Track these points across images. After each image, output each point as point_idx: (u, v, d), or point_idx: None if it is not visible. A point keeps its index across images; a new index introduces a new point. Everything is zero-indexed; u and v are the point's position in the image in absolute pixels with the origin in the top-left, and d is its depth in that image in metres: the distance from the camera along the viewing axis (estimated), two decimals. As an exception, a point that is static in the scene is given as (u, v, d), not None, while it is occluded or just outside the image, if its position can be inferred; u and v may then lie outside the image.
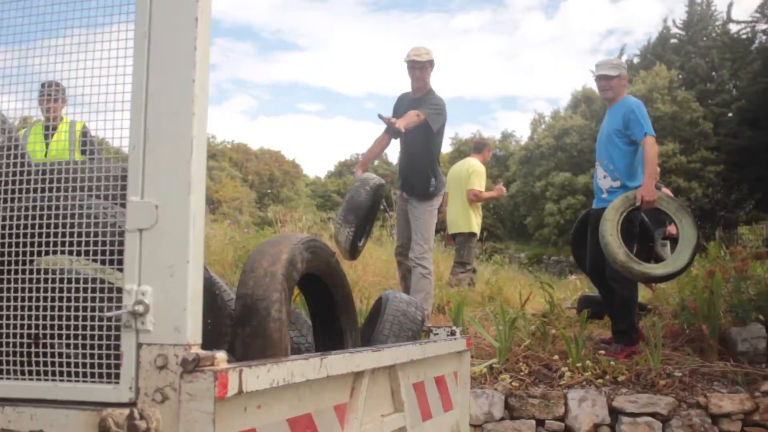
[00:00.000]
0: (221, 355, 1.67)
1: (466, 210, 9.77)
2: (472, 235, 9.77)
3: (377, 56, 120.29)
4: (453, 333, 3.91)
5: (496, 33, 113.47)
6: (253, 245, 9.69)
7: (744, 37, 38.51)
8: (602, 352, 5.79)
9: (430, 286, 6.70)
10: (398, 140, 7.03)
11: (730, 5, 41.92)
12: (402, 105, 7.13)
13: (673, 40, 43.04)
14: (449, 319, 6.46)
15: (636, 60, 44.32)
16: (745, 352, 5.64)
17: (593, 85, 6.39)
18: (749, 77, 34.88)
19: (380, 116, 6.65)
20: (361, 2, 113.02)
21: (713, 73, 39.80)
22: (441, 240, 11.29)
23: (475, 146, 10.91)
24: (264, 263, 2.44)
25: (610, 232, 5.77)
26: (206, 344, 1.72)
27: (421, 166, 6.94)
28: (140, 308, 1.66)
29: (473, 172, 9.90)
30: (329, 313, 3.03)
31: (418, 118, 6.63)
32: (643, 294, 8.48)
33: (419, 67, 6.97)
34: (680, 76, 38.00)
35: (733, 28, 39.77)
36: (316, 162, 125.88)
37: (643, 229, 6.66)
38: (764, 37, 36.06)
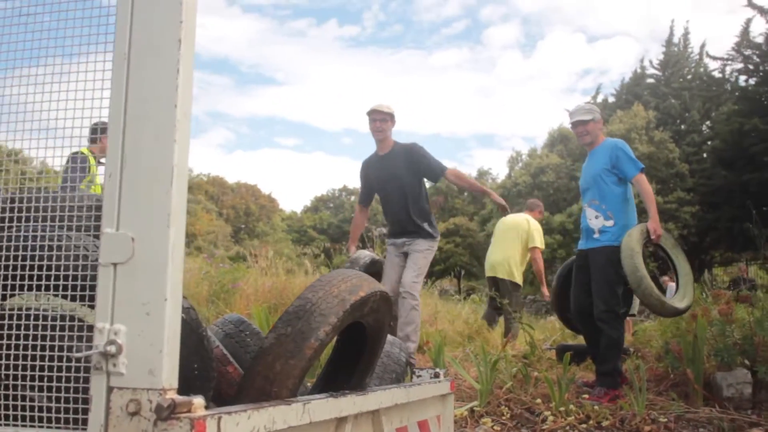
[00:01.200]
0: (198, 401, 1.54)
1: (521, 261, 9.95)
2: (519, 285, 9.91)
3: (355, 92, 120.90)
4: (437, 375, 3.78)
5: (474, 71, 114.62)
6: (229, 280, 9.55)
7: (718, 75, 38.94)
8: (586, 396, 5.68)
9: (419, 318, 6.63)
10: (386, 189, 7.06)
11: (703, 45, 42.54)
12: (372, 170, 7.18)
13: (649, 80, 43.54)
14: (429, 359, 6.34)
15: (611, 99, 44.79)
16: (731, 398, 5.54)
17: (569, 125, 6.39)
18: (723, 117, 35.19)
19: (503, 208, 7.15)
20: (338, 38, 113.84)
21: (686, 114, 40.23)
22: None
23: (529, 205, 11.01)
24: (342, 286, 2.48)
25: (642, 266, 5.77)
26: (192, 391, 1.60)
27: (425, 211, 6.99)
28: (112, 349, 1.54)
29: (536, 230, 10.10)
30: (352, 364, 2.93)
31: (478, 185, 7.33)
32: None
33: (380, 119, 6.99)
34: (655, 117, 38.36)
35: (710, 66, 40.25)
36: (293, 196, 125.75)
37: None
38: (739, 76, 36.41)
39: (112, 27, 1.70)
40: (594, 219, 6.20)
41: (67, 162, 8.15)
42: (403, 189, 6.93)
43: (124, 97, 1.65)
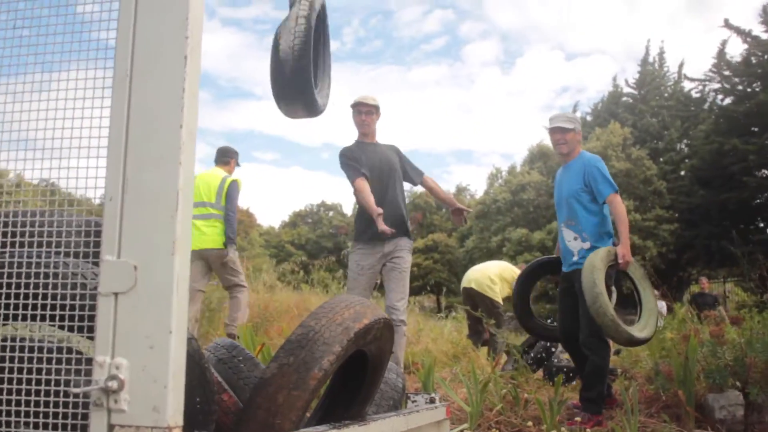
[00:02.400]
0: (204, 440, 1.45)
1: (500, 282, 10.02)
2: (499, 303, 9.97)
3: (333, 107, 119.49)
4: (432, 401, 3.71)
5: (453, 87, 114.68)
6: (217, 298, 9.45)
7: (696, 95, 39.30)
8: (578, 419, 5.59)
9: (404, 340, 6.53)
10: (382, 177, 6.81)
11: (681, 65, 42.89)
12: (364, 154, 6.80)
13: (625, 99, 43.88)
14: (418, 380, 6.24)
15: (588, 118, 45.06)
16: (723, 420, 5.48)
17: (549, 142, 6.26)
18: (702, 136, 35.47)
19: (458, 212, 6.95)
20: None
21: (664, 132, 40.53)
22: None
23: None
24: (346, 314, 2.42)
25: (601, 282, 5.55)
26: (195, 426, 1.50)
27: (404, 210, 6.88)
28: (114, 384, 1.45)
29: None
30: (352, 393, 2.84)
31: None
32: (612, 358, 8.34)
33: (366, 111, 6.85)
34: (632, 135, 38.62)
35: (687, 86, 40.60)
36: (271, 211, 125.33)
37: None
38: (717, 96, 36.74)
39: (113, 33, 1.61)
40: (573, 240, 6.08)
41: (230, 188, 8.34)
42: (399, 178, 6.81)
43: (126, 116, 1.56)
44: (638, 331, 5.76)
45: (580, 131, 6.28)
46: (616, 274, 5.97)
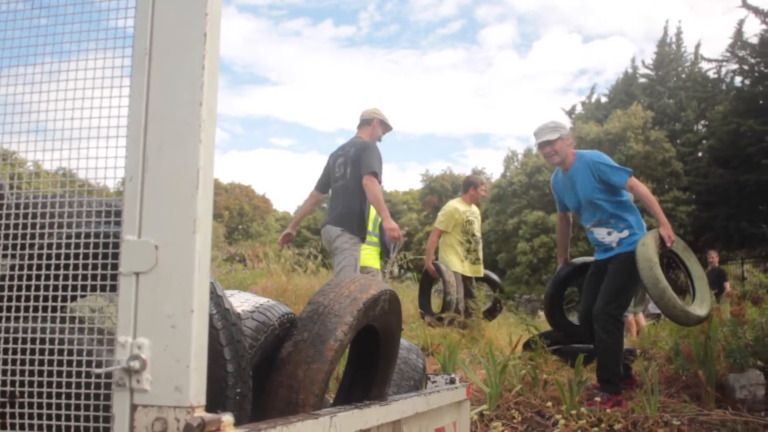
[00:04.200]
0: (228, 419, 1.44)
1: (444, 247, 9.95)
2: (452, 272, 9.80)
3: (349, 92, 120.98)
4: (452, 381, 3.70)
5: (469, 71, 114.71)
6: (250, 283, 9.49)
7: (714, 76, 39.04)
8: (598, 398, 5.57)
9: None
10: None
11: (697, 46, 42.66)
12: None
13: (642, 80, 43.64)
14: (436, 361, 6.24)
15: (604, 99, 44.85)
16: (744, 400, 5.45)
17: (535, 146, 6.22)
18: (719, 117, 35.25)
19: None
20: (333, 37, 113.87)
21: (681, 113, 40.31)
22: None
23: (462, 186, 10.84)
24: (352, 287, 2.48)
25: (662, 276, 5.60)
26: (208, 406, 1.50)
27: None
28: (136, 364, 1.43)
29: (442, 212, 10.17)
30: (369, 375, 2.88)
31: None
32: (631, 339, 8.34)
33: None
34: (652, 117, 38.45)
35: (704, 66, 40.36)
36: (287, 197, 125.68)
37: None
38: (734, 77, 36.47)
39: (131, 21, 1.60)
40: (608, 236, 6.03)
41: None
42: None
43: (146, 96, 1.54)
44: (699, 308, 5.85)
45: (567, 135, 6.22)
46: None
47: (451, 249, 9.87)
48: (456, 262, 9.81)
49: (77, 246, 1.65)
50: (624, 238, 5.91)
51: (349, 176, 7.10)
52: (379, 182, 6.94)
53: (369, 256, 8.52)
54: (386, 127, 7.52)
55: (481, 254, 10.03)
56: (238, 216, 69.32)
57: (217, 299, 1.96)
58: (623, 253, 5.87)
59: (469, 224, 9.86)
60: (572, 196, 6.24)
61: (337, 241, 6.96)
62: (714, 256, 19.48)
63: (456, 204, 10.10)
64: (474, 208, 10.16)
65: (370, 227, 8.26)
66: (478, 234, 10.07)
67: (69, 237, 1.67)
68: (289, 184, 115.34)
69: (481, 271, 10.19)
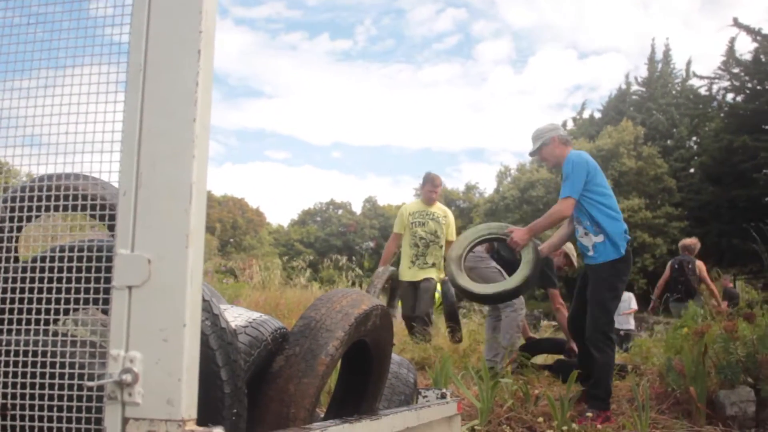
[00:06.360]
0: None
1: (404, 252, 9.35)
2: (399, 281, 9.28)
3: (344, 106, 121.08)
4: (443, 396, 3.70)
5: (464, 86, 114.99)
6: (231, 295, 9.47)
7: (705, 93, 39.28)
8: (589, 414, 5.56)
9: None
10: None
11: (689, 63, 42.91)
12: None
13: (634, 97, 43.89)
14: (429, 376, 6.24)
15: (597, 115, 45.05)
16: (734, 417, 5.46)
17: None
18: (711, 134, 35.45)
19: None
20: (328, 51, 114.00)
21: (673, 130, 40.52)
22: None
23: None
24: (344, 302, 2.49)
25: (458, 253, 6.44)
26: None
27: None
28: (128, 377, 1.45)
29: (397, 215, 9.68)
30: (360, 389, 2.90)
31: None
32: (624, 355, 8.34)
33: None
34: (643, 133, 38.64)
35: (695, 83, 40.61)
36: (280, 210, 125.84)
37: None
38: (726, 93, 36.70)
39: (126, 37, 1.61)
40: (584, 237, 6.04)
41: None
42: None
43: (140, 111, 1.56)
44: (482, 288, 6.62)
45: (552, 137, 6.26)
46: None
47: (403, 253, 9.27)
48: (404, 268, 9.18)
49: (70, 260, 1.66)
50: (598, 244, 5.86)
51: None
52: None
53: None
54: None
55: (431, 259, 9.11)
56: (231, 229, 69.29)
57: (213, 318, 1.97)
58: (596, 264, 5.85)
59: (416, 226, 9.12)
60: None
61: None
62: (726, 281, 19.53)
63: (408, 204, 9.66)
64: (435, 208, 9.31)
65: None
66: (431, 237, 9.14)
67: (63, 250, 1.68)
68: (283, 198, 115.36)
69: (429, 273, 9.12)
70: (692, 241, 12.92)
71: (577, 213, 6.04)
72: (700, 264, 12.19)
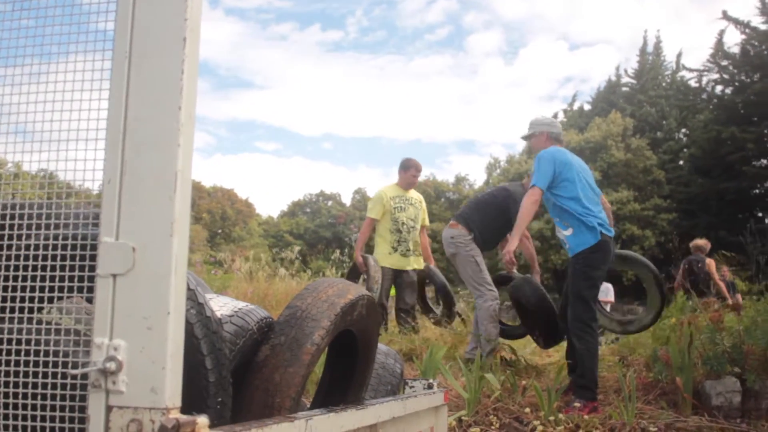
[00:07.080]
0: (203, 420, 1.45)
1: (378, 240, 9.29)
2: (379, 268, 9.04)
3: (334, 96, 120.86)
4: (430, 386, 3.71)
5: (455, 77, 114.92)
6: (219, 287, 9.45)
7: (695, 86, 39.40)
8: (577, 404, 5.59)
9: None
10: None
11: (679, 55, 42.98)
12: None
13: (624, 89, 43.92)
14: (416, 367, 6.25)
15: (587, 107, 45.07)
16: (720, 407, 5.50)
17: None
18: (701, 126, 35.55)
19: None
20: (319, 42, 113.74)
21: (663, 122, 40.59)
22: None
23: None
24: (330, 291, 2.49)
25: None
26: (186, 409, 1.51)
27: None
28: (112, 365, 1.44)
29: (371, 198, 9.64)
30: (346, 379, 2.91)
31: None
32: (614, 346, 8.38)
33: None
34: (632, 125, 38.68)
35: (685, 75, 40.72)
36: (270, 201, 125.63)
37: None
38: (715, 86, 36.81)
39: (111, 24, 1.61)
40: (558, 232, 6.19)
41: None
42: None
43: (125, 99, 1.55)
44: None
45: (542, 131, 6.56)
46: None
47: (380, 239, 9.16)
48: (383, 254, 9.07)
49: (54, 248, 1.65)
50: (569, 237, 5.96)
51: None
52: None
53: None
54: None
55: (411, 245, 9.17)
56: (221, 220, 69.20)
57: (198, 307, 1.97)
58: (572, 256, 5.96)
59: (398, 211, 9.08)
60: None
61: None
62: (725, 271, 19.59)
63: (386, 189, 9.32)
64: (411, 194, 9.32)
65: None
66: (412, 222, 9.17)
67: (47, 239, 1.68)
68: (273, 189, 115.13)
69: (413, 264, 9.27)
70: (703, 242, 13.42)
71: (550, 210, 6.19)
72: (709, 261, 12.60)
